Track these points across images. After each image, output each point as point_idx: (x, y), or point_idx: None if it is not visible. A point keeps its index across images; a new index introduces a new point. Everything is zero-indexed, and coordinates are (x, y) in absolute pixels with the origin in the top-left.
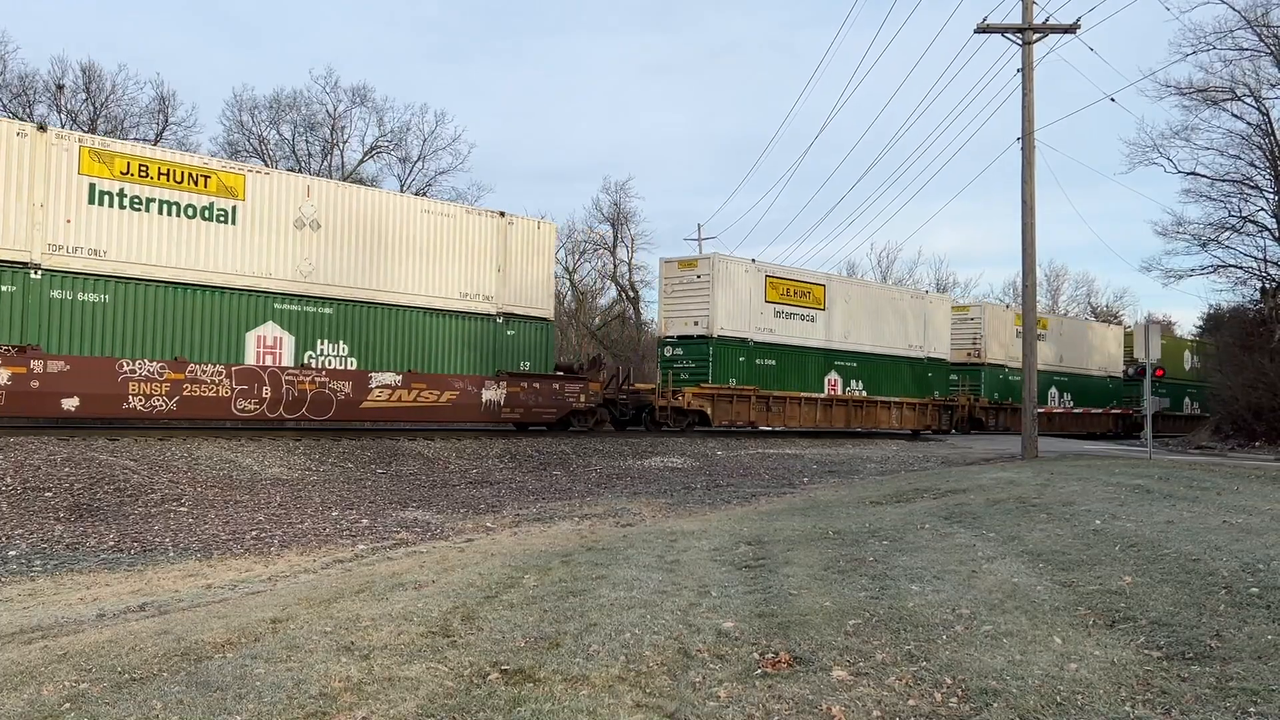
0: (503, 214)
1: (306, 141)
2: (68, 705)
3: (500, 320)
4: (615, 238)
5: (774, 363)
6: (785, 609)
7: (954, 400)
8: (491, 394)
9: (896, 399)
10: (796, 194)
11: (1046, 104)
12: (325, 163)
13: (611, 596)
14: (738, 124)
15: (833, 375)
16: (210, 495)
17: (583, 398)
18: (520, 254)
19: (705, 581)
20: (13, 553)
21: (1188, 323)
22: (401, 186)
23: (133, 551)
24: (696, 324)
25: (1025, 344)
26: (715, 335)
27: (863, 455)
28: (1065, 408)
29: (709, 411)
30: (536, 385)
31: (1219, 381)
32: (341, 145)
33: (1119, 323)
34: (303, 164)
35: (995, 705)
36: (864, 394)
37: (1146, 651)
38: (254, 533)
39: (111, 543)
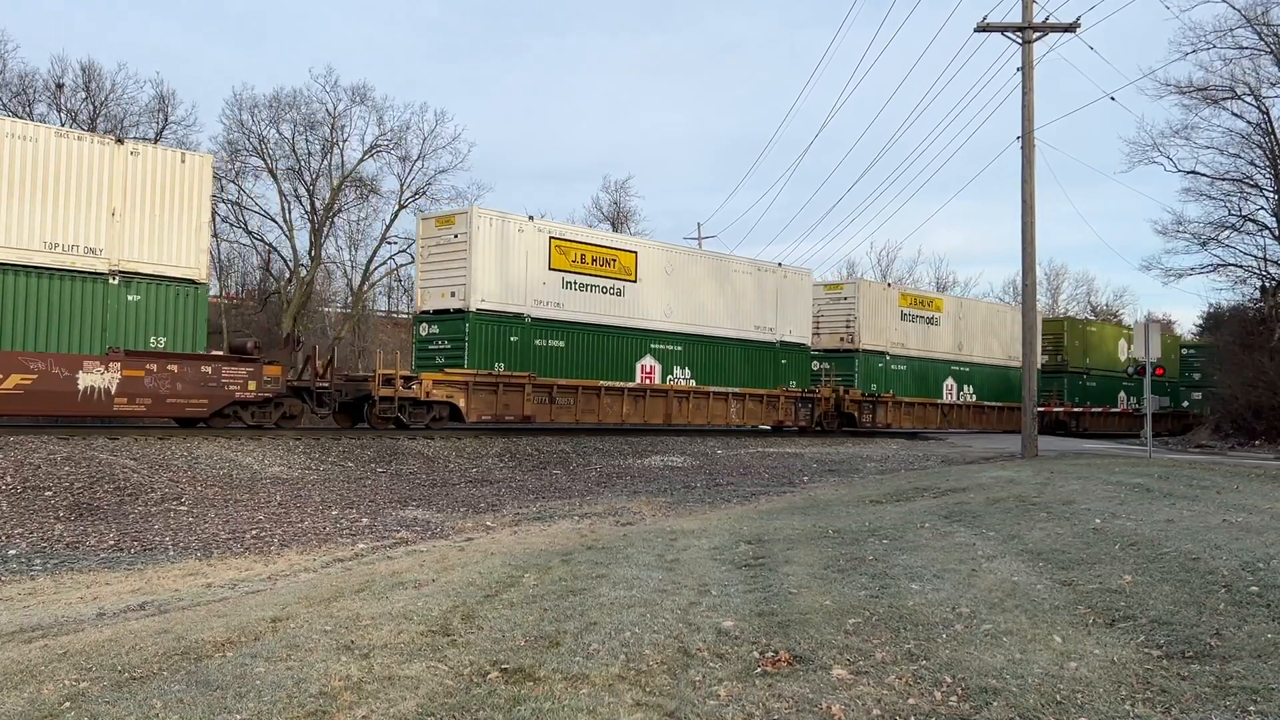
0: (121, 140)
1: (306, 140)
2: (68, 704)
3: (114, 281)
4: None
5: (563, 344)
6: (785, 608)
7: (815, 392)
8: (95, 379)
9: (736, 390)
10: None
11: (1046, 103)
12: (325, 161)
13: (611, 595)
14: (738, 123)
15: (648, 361)
16: (210, 494)
17: (251, 385)
18: (148, 192)
19: (705, 580)
20: (13, 552)
21: (1188, 321)
22: (401, 186)
23: (133, 551)
24: (454, 295)
25: (1025, 343)
26: (474, 309)
27: (863, 454)
28: (965, 400)
29: (462, 404)
30: (174, 368)
31: (1219, 380)
32: (341, 144)
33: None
34: (302, 163)
35: (995, 704)
36: (691, 384)
37: (1146, 650)
38: (254, 532)
39: (111, 542)
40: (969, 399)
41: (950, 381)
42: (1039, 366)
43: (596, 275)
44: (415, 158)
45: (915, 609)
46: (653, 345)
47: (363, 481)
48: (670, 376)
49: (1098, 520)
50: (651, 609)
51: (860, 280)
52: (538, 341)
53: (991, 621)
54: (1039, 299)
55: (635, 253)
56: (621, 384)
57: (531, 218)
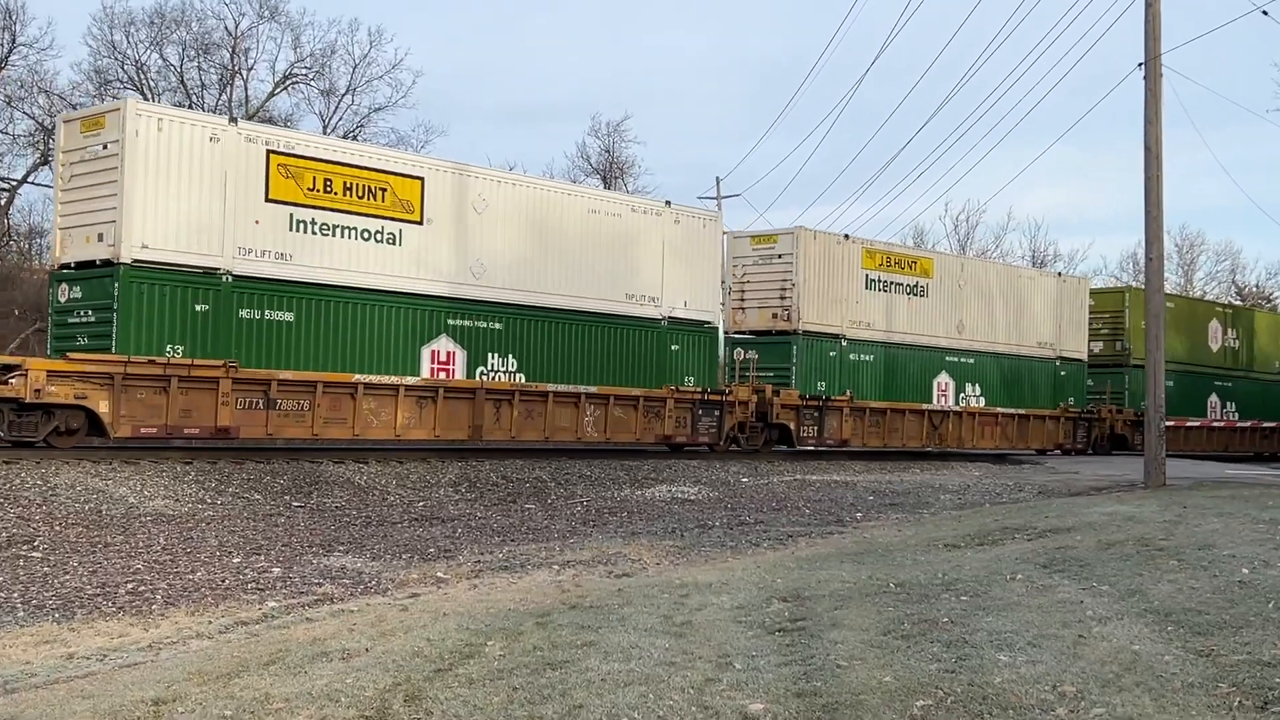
0: None
1: (199, 68)
2: None
3: None
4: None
5: (291, 318)
6: (832, 686)
7: (728, 393)
8: None
9: (591, 390)
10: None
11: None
12: (224, 96)
13: (603, 670)
14: (771, 48)
15: (443, 345)
16: (72, 536)
17: None
18: None
19: (726, 650)
20: None
21: None
22: (325, 128)
23: None
24: (101, 238)
25: (1149, 333)
26: (130, 259)
27: (935, 483)
28: (969, 405)
29: (103, 408)
30: None
31: None
32: (245, 73)
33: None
34: (194, 98)
35: None
36: (520, 380)
37: None
38: (130, 585)
39: None
40: (974, 403)
41: (944, 379)
42: (1085, 357)
43: (353, 211)
44: (343, 91)
45: (1004, 687)
46: (450, 321)
47: (274, 519)
48: (484, 368)
49: (1245, 570)
50: (655, 688)
51: (799, 229)
52: (245, 312)
53: (1105, 704)
54: (1166, 277)
55: (421, 179)
56: (394, 380)
57: (235, 120)
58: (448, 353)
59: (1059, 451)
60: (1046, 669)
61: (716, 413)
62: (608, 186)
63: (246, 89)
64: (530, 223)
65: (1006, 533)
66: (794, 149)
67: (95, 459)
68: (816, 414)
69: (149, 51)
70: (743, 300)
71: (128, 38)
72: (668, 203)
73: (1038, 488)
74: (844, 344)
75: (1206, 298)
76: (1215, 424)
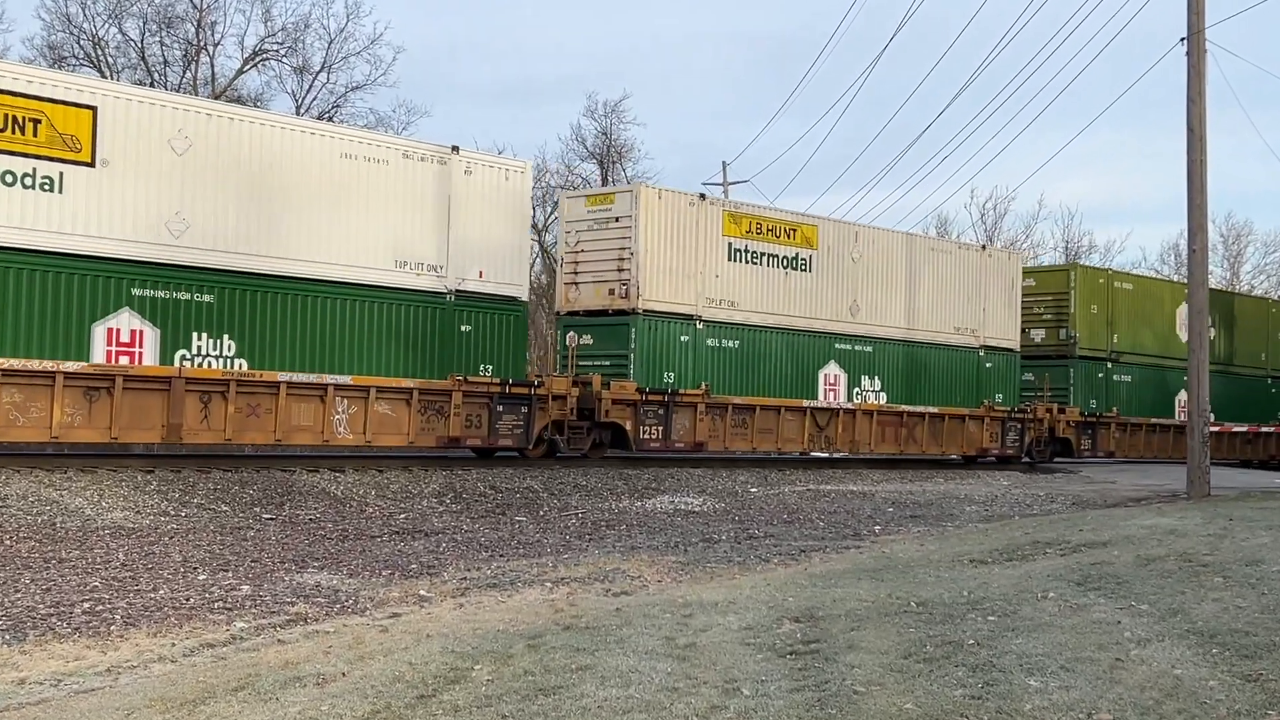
0: None
1: (162, 44)
2: None
3: None
4: (605, 181)
5: None
6: (848, 713)
7: (535, 387)
8: None
9: (345, 381)
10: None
11: None
12: (189, 73)
13: (599, 696)
14: (781, 19)
15: (123, 320)
16: (23, 551)
17: None
18: None
19: (733, 674)
20: None
21: None
22: (298, 107)
23: None
24: None
25: (1191, 329)
26: None
27: (959, 493)
28: (866, 402)
29: None
30: None
31: None
32: (212, 49)
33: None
34: (157, 76)
35: None
36: (243, 368)
37: None
38: (87, 604)
39: None
40: (872, 399)
41: (833, 370)
42: (1018, 346)
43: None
44: (318, 69)
45: (1035, 715)
46: (136, 292)
47: (242, 533)
48: (186, 352)
49: None
50: (657, 716)
51: (639, 184)
52: None
53: None
54: (1210, 271)
55: (93, 109)
56: (47, 365)
57: None
58: (132, 331)
59: (993, 458)
60: (1081, 695)
61: (524, 409)
62: (605, 172)
63: (213, 66)
64: (256, 167)
65: (1037, 547)
66: (807, 131)
67: (49, 468)
68: (661, 411)
69: (107, 26)
70: (576, 273)
71: (84, 11)
72: (455, 148)
73: (1071, 498)
74: (699, 327)
75: (1173, 278)
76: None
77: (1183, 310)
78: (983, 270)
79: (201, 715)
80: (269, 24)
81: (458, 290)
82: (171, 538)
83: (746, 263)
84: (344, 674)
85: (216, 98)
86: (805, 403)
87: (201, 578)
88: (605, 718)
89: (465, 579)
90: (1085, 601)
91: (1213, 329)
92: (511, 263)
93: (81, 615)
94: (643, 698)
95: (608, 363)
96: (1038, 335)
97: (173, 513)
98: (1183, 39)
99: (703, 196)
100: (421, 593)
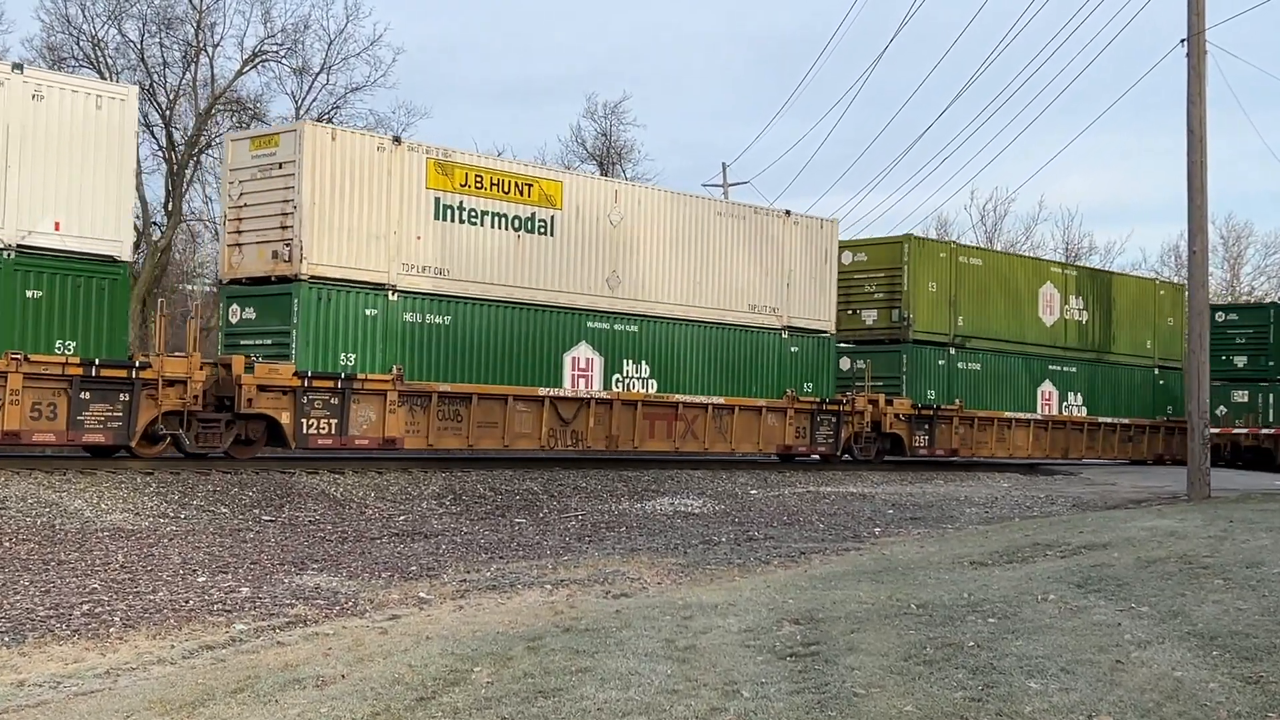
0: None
1: (161, 45)
2: None
3: None
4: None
5: None
6: (849, 715)
7: (137, 371)
8: None
9: None
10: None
11: None
12: (188, 75)
13: (599, 698)
14: (780, 19)
15: None
16: (23, 553)
17: None
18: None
19: (733, 677)
20: None
21: None
22: (298, 109)
23: None
24: None
25: (1192, 330)
26: None
27: (959, 495)
28: (634, 390)
29: None
30: None
31: None
32: (211, 50)
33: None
34: (155, 77)
35: None
36: None
37: None
38: (86, 606)
39: None
40: (638, 387)
41: (585, 354)
42: (833, 329)
43: None
44: (318, 70)
45: (1035, 717)
46: None
47: (242, 535)
48: None
49: None
50: (657, 718)
51: (307, 122)
52: None
53: None
54: (1210, 272)
55: None
56: None
57: None
58: None
59: (815, 456)
60: (1081, 697)
61: (125, 397)
62: (605, 173)
63: (212, 67)
64: None
65: (1037, 549)
66: (808, 131)
67: (48, 469)
68: (335, 401)
69: (106, 27)
70: (239, 233)
71: (83, 11)
72: (17, 66)
73: (1071, 500)
74: (393, 299)
75: (1039, 256)
76: (1057, 419)
77: (1046, 290)
78: (788, 240)
79: (201, 717)
80: (268, 25)
81: (20, 246)
82: (171, 539)
83: (462, 222)
84: (343, 676)
85: (216, 99)
86: (544, 391)
87: (201, 579)
88: (606, 719)
89: (465, 581)
90: (1085, 603)
91: (1085, 312)
92: (105, 213)
93: (80, 617)
94: (642, 700)
95: (269, 341)
96: (869, 317)
97: (172, 514)
98: (1183, 40)
99: (398, 140)
100: (421, 594)
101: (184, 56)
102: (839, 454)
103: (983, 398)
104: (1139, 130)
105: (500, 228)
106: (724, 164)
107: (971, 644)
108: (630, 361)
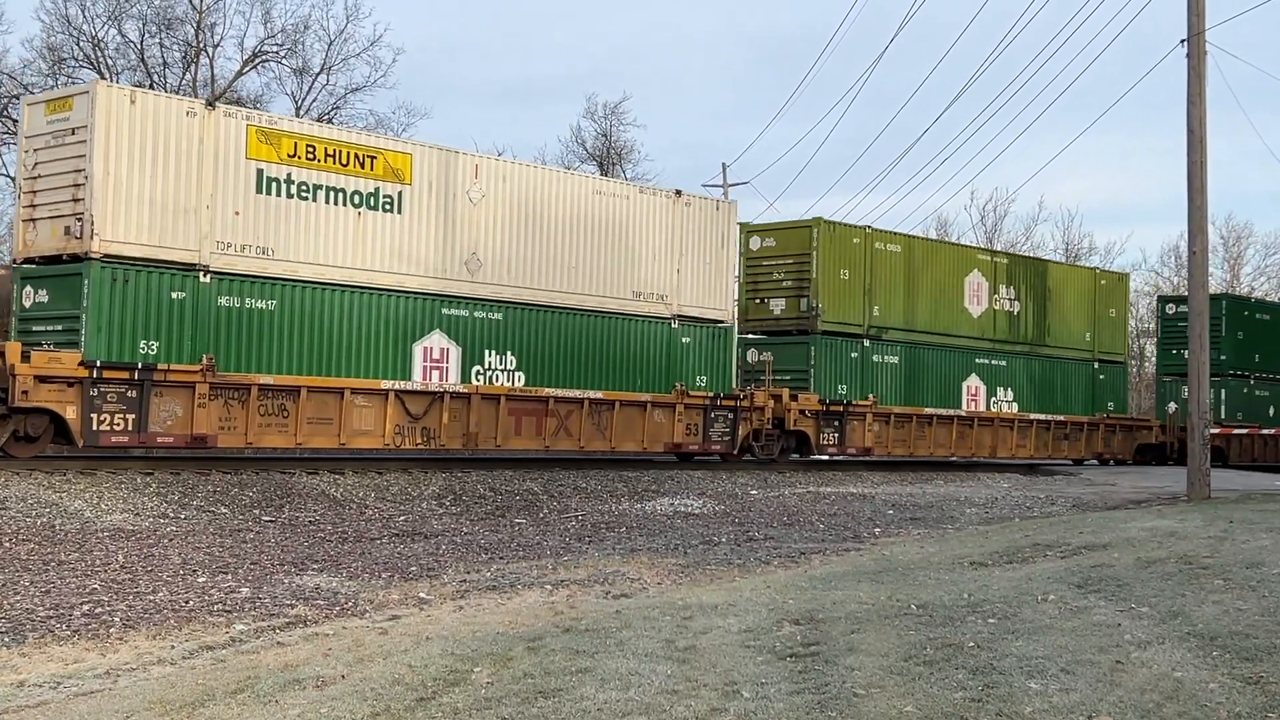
0: None
1: (161, 45)
2: None
3: None
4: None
5: None
6: (849, 716)
7: None
8: None
9: None
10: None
11: None
12: (188, 75)
13: (599, 699)
14: (782, 22)
15: None
16: (23, 553)
17: None
18: None
19: (733, 677)
20: None
21: None
22: (297, 109)
23: None
24: None
25: (1192, 330)
26: None
27: (960, 495)
28: (503, 387)
29: None
30: None
31: None
32: (211, 51)
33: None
34: (155, 77)
35: None
36: None
37: None
38: (86, 606)
39: None
40: (503, 380)
41: (438, 343)
42: (732, 319)
43: None
44: (318, 70)
45: (1036, 717)
46: None
47: (242, 535)
48: None
49: None
50: (657, 718)
51: (101, 83)
52: None
53: None
54: (1210, 272)
55: None
56: None
57: None
58: None
59: (718, 456)
60: (1081, 698)
61: None
62: (605, 173)
63: (213, 68)
64: None
65: (1037, 550)
66: (808, 132)
67: (48, 469)
68: (133, 394)
69: (106, 27)
70: (33, 206)
71: (83, 12)
72: None
73: (1071, 500)
74: (204, 280)
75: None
76: (984, 416)
77: (973, 278)
78: (679, 223)
79: (201, 717)
80: (268, 25)
81: None
82: (171, 540)
83: (290, 197)
84: (343, 676)
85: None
86: (389, 384)
87: (201, 580)
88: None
89: (465, 581)
90: (1085, 604)
91: (1016, 302)
92: None
93: (81, 617)
94: (642, 700)
95: (60, 327)
96: (777, 306)
97: (172, 515)
98: (1183, 40)
99: (212, 105)
100: (421, 595)
101: (184, 57)
102: (735, 452)
103: (901, 393)
104: (1139, 130)
105: (337, 203)
106: (724, 164)
107: (971, 644)
108: (493, 352)
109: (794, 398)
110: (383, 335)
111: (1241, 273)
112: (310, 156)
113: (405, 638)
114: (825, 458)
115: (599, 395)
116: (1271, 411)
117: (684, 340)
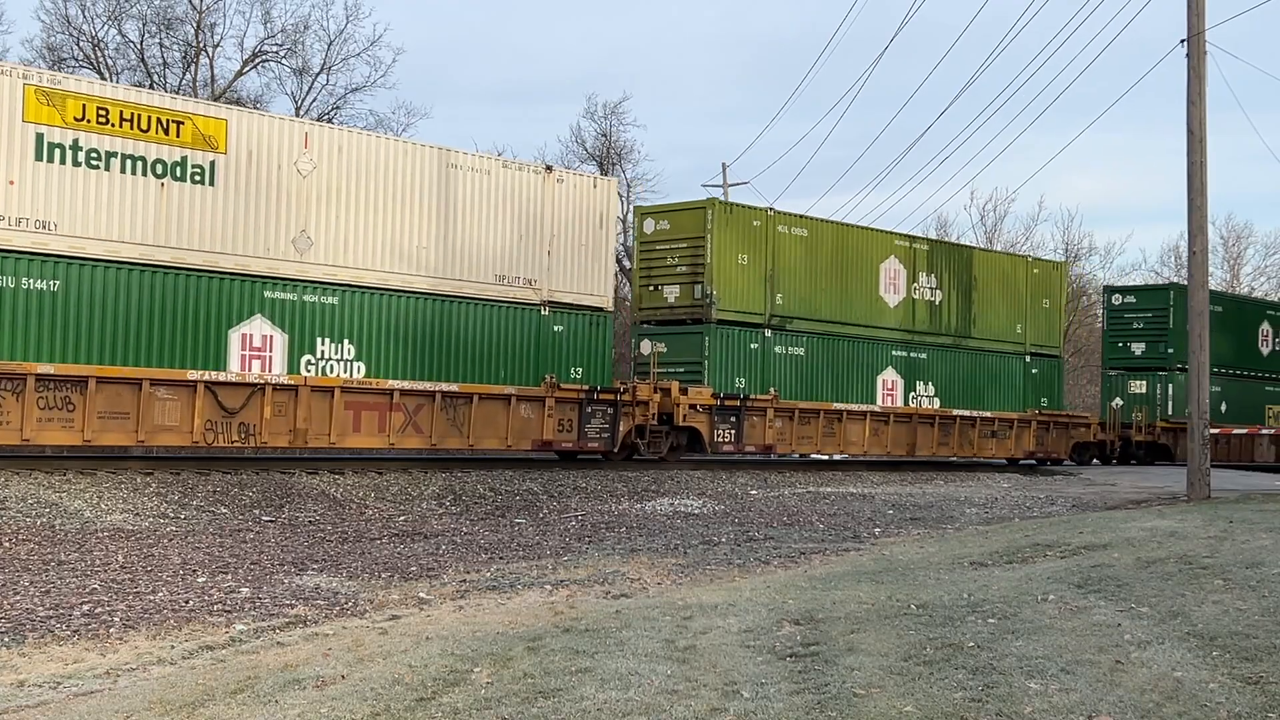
0: None
1: (161, 45)
2: None
3: None
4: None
5: None
6: (848, 716)
7: None
8: None
9: None
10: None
11: None
12: (188, 75)
13: (599, 699)
14: (783, 21)
15: None
16: (22, 553)
17: None
18: None
19: (733, 677)
20: None
21: None
22: (297, 108)
23: None
24: None
25: (1192, 331)
26: None
27: (959, 496)
28: (338, 378)
29: None
30: None
31: None
32: (211, 50)
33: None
34: (155, 77)
35: None
36: None
37: None
38: (86, 606)
39: None
40: (338, 372)
41: (259, 330)
42: (610, 305)
43: None
44: (318, 70)
45: (1036, 717)
46: None
47: (242, 535)
48: None
49: None
50: (657, 718)
51: None
52: None
53: None
54: (1210, 272)
55: None
56: None
57: None
58: None
59: (600, 455)
60: (1081, 698)
61: None
62: (604, 173)
63: (212, 68)
64: None
65: (1037, 550)
66: (808, 132)
67: (48, 470)
68: None
69: (106, 27)
70: None
71: (83, 12)
72: None
73: (1071, 500)
74: None
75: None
76: (902, 412)
77: (890, 265)
78: (551, 201)
79: (201, 717)
80: (268, 25)
81: None
82: (171, 540)
83: (79, 165)
84: (343, 676)
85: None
86: (197, 374)
87: (201, 580)
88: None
89: (465, 581)
90: (1085, 604)
91: (939, 291)
92: None
93: (80, 617)
94: (642, 700)
95: None
96: (671, 294)
97: (172, 515)
98: (1183, 40)
99: None
100: (421, 595)
101: (184, 57)
102: (616, 450)
103: (808, 387)
104: (1139, 130)
105: (136, 173)
106: (724, 164)
107: (971, 644)
108: (327, 340)
109: (684, 391)
110: (191, 320)
111: (1241, 273)
112: (103, 120)
113: (405, 638)
114: (719, 456)
115: (453, 388)
116: (1224, 408)
117: (556, 329)
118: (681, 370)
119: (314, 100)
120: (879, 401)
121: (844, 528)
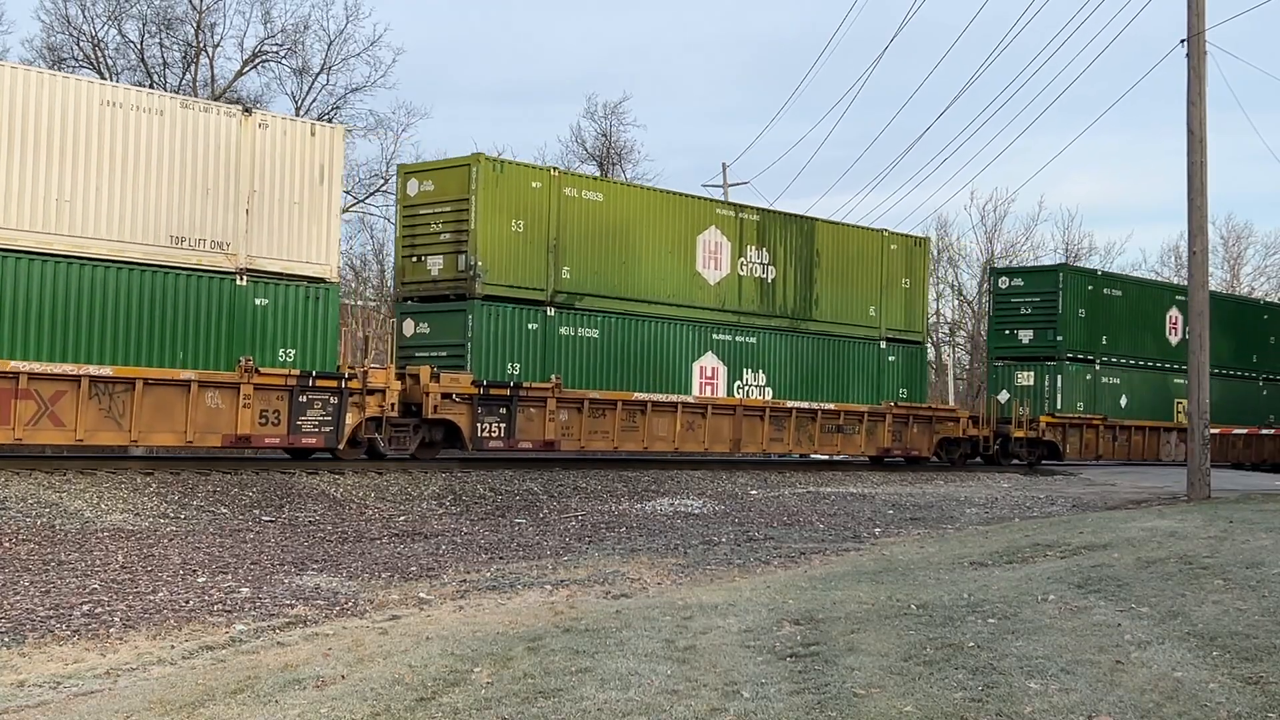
0: None
1: (161, 45)
2: None
3: None
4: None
5: None
6: (848, 716)
7: None
8: None
9: None
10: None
11: None
12: (188, 75)
13: (599, 699)
14: (783, 21)
15: None
16: (23, 553)
17: None
18: None
19: (733, 677)
20: None
21: None
22: (297, 109)
23: None
24: None
25: (1193, 330)
26: None
27: (959, 496)
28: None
29: None
30: None
31: None
32: (211, 50)
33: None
34: (155, 77)
35: None
36: None
37: None
38: (86, 606)
39: None
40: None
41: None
42: (331, 279)
43: None
44: (318, 70)
45: (1036, 717)
46: None
47: (242, 535)
48: None
49: None
50: (657, 718)
51: None
52: None
53: None
54: (1210, 272)
55: None
56: None
57: None
58: None
59: (329, 453)
60: (1081, 698)
61: None
62: (605, 173)
63: (212, 68)
64: None
65: (1037, 550)
66: (808, 132)
67: (48, 469)
68: None
69: (106, 27)
70: None
71: (83, 12)
72: None
73: (1071, 501)
74: None
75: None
76: (723, 404)
77: (709, 237)
78: (250, 151)
79: (201, 717)
80: (269, 25)
81: None
82: (171, 540)
83: None
84: (343, 676)
85: (216, 99)
86: None
87: (201, 580)
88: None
89: (465, 581)
90: (1085, 604)
91: (772, 268)
92: None
93: (80, 617)
94: (643, 700)
95: None
96: (435, 266)
97: (172, 515)
98: (1183, 41)
99: None
100: (421, 595)
101: (184, 57)
102: (342, 445)
103: (604, 375)
104: (1139, 130)
105: None
106: (724, 164)
107: (971, 644)
108: None
109: (434, 378)
110: None
111: (1241, 273)
112: None
113: (405, 638)
114: (486, 454)
115: (107, 372)
116: (1124, 401)
117: (258, 302)
118: (444, 354)
119: (314, 100)
120: (695, 391)
121: (844, 528)
